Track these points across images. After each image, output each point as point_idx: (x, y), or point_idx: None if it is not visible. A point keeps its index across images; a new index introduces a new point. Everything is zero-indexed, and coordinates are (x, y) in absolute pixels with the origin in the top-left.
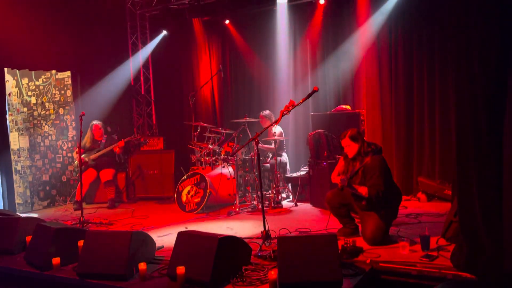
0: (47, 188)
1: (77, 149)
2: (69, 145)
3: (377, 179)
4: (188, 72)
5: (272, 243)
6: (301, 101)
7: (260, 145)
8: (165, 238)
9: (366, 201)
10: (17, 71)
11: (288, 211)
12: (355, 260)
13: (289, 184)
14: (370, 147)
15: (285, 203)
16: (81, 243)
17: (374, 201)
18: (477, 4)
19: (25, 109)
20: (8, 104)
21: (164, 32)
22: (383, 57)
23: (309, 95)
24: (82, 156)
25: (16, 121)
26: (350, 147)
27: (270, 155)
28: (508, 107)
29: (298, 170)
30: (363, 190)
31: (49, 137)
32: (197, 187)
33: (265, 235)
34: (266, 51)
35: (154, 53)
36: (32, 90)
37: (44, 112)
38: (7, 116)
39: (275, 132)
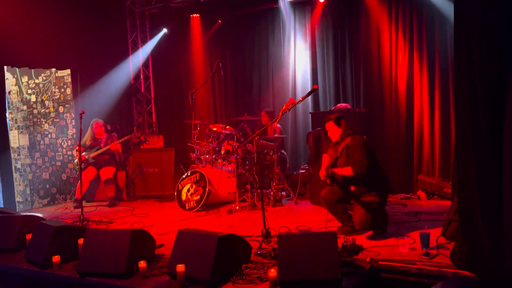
0: (47, 186)
1: (77, 147)
2: (69, 143)
3: (359, 155)
4: (188, 70)
5: (272, 241)
6: (301, 99)
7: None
8: (165, 236)
9: (354, 185)
10: (17, 69)
11: (288, 209)
12: (354, 258)
13: (289, 182)
14: (351, 129)
15: (285, 201)
16: (81, 241)
17: (360, 179)
18: (477, 3)
19: (25, 107)
20: (8, 102)
21: (164, 30)
22: (384, 56)
23: (309, 93)
24: (83, 153)
25: (16, 119)
26: (333, 131)
27: (271, 153)
28: (508, 106)
29: (298, 168)
30: (347, 171)
31: (49, 135)
32: (197, 185)
33: (265, 233)
34: (267, 49)
35: (154, 51)
36: (32, 88)
37: (44, 110)
38: (7, 114)
39: (275, 130)
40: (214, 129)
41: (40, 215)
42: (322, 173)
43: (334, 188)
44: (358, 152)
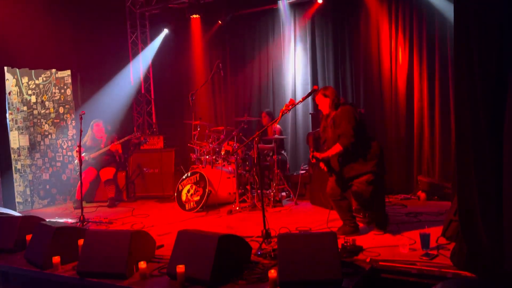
0: (47, 187)
1: (77, 148)
2: (69, 144)
3: (345, 126)
4: (188, 70)
5: (272, 242)
6: (301, 100)
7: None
8: (165, 236)
9: (346, 161)
10: (17, 70)
11: (288, 209)
12: (355, 258)
13: (289, 183)
14: (340, 101)
15: (285, 202)
16: (81, 242)
17: (351, 149)
18: (477, 3)
19: (25, 108)
20: (8, 103)
21: (166, 31)
22: (383, 56)
23: (309, 94)
24: (83, 154)
25: (16, 120)
26: (322, 103)
27: (271, 154)
28: (508, 106)
29: (298, 168)
30: (336, 149)
31: (49, 136)
32: (197, 186)
33: (265, 234)
34: (266, 50)
35: (154, 52)
36: (32, 89)
37: (44, 111)
38: (7, 115)
39: (275, 131)
40: (220, 129)
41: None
42: (312, 160)
43: (336, 181)
44: (344, 121)
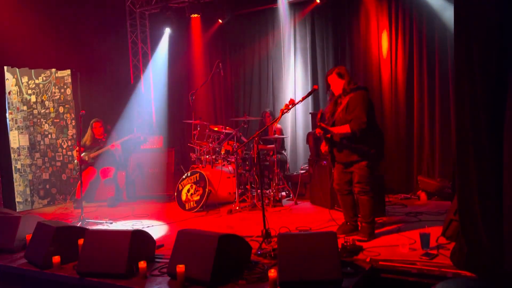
0: (47, 186)
1: (77, 148)
2: (69, 144)
3: (358, 112)
4: (188, 70)
5: (272, 242)
6: (301, 99)
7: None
8: (165, 236)
9: (347, 139)
10: (17, 69)
11: (288, 209)
12: (355, 258)
13: (289, 183)
14: (356, 84)
15: (285, 202)
16: (81, 241)
17: (358, 136)
18: (477, 3)
19: (25, 108)
20: (8, 103)
21: (168, 32)
22: (383, 56)
23: (309, 94)
24: (82, 154)
25: (16, 120)
26: (336, 83)
27: (271, 153)
28: (508, 106)
29: (298, 168)
30: (344, 128)
31: (49, 136)
32: (197, 186)
33: (265, 234)
34: (266, 49)
35: (154, 51)
36: (32, 89)
37: (44, 110)
38: (7, 114)
39: (275, 131)
40: (216, 129)
41: (40, 215)
42: (318, 130)
43: (339, 174)
44: (359, 107)
